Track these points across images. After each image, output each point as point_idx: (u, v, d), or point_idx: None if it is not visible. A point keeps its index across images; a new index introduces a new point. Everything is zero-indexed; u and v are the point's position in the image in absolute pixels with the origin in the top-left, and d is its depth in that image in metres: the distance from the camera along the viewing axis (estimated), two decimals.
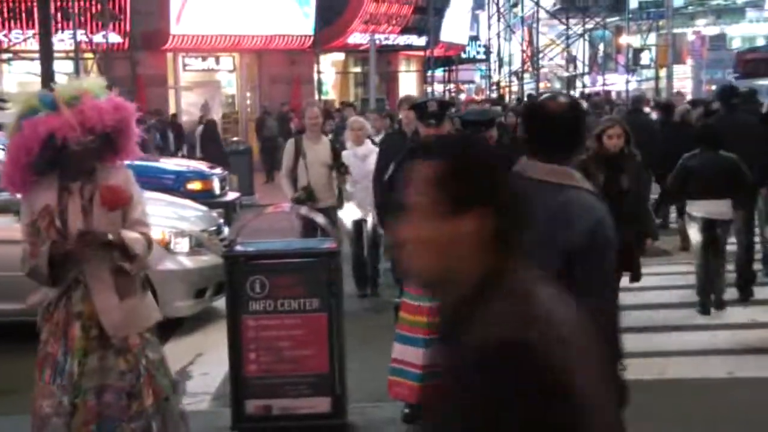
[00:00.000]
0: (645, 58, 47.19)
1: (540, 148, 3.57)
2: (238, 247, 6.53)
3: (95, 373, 5.14)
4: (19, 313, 9.01)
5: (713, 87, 31.49)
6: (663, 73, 40.55)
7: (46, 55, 7.51)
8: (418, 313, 5.69)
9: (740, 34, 54.21)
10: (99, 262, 5.16)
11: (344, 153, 10.97)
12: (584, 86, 47.55)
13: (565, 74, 53.35)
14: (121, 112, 5.23)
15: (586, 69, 52.81)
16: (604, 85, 48.96)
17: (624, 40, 49.87)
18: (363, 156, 10.86)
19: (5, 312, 9.13)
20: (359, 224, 11.05)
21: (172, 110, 29.00)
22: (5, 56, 26.57)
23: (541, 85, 48.45)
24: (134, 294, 5.29)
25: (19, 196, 5.40)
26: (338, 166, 10.44)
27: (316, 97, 32.48)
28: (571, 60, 53.36)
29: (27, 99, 5.23)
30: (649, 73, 47.45)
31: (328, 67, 37.37)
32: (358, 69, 38.96)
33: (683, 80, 43.23)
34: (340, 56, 38.07)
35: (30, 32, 22.51)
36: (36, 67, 15.09)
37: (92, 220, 5.15)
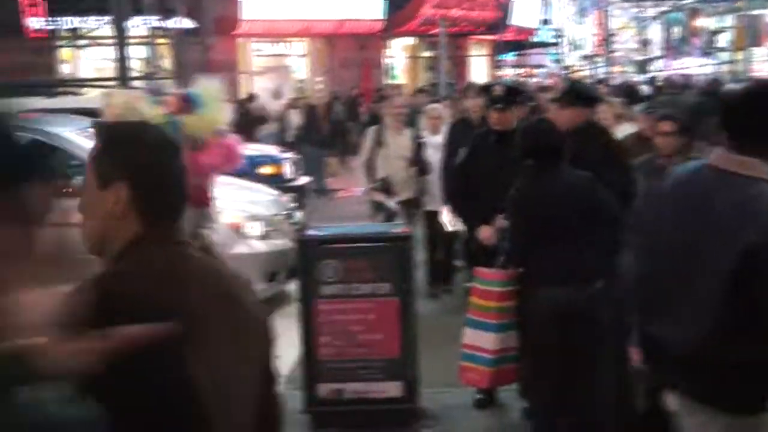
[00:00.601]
0: (722, 40, 46.36)
1: (732, 137, 3.41)
2: (310, 231, 6.53)
3: None
4: None
5: None
6: (740, 56, 39.81)
7: (120, 41, 7.55)
8: (488, 297, 5.64)
9: None
10: None
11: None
12: (658, 70, 46.89)
13: (639, 58, 52.67)
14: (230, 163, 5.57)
15: (660, 53, 52.08)
16: (679, 69, 48.27)
17: (699, 22, 49.09)
18: (440, 146, 9.80)
19: None
20: (433, 216, 10.10)
21: (243, 96, 29.18)
22: (81, 43, 26.93)
23: (614, 69, 47.91)
24: None
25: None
26: (418, 164, 9.81)
27: (386, 81, 32.46)
28: (645, 43, 52.66)
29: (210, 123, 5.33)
30: (726, 56, 46.63)
31: (399, 51, 37.33)
32: (428, 53, 38.85)
33: (762, 63, 42.36)
34: (410, 40, 38.00)
35: (105, 18, 22.78)
36: (111, 53, 15.27)
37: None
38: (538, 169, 5.39)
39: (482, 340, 5.67)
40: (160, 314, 2.02)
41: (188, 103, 5.29)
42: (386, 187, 9.68)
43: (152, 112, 5.20)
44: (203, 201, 5.62)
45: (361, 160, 10.24)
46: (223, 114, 5.45)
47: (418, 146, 9.94)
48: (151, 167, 2.29)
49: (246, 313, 2.40)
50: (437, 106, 11.90)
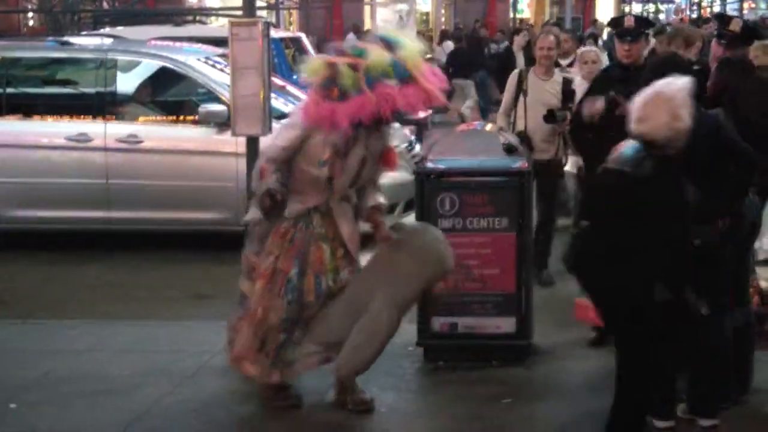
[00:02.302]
0: None
1: None
2: (429, 164, 6.52)
3: (351, 282, 5.58)
4: (209, 222, 9.42)
5: None
6: None
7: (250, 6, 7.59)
8: None
9: None
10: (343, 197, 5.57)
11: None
12: None
13: None
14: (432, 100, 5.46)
15: None
16: None
17: None
18: None
19: (203, 221, 9.46)
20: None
21: (367, 26, 29.17)
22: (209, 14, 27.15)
23: (745, 5, 46.31)
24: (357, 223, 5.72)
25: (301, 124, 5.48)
26: (559, 113, 8.02)
27: (511, 15, 32.04)
28: None
29: (381, 60, 5.31)
30: None
31: None
32: None
33: None
34: None
35: None
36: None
37: (364, 171, 5.51)
38: None
39: None
40: None
41: (389, 44, 5.38)
42: (524, 143, 7.80)
43: (369, 61, 5.30)
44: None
45: (501, 108, 8.78)
46: (420, 45, 5.58)
47: (569, 94, 8.19)
48: None
49: None
50: (594, 49, 10.28)
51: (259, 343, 5.53)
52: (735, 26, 6.31)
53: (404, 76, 5.26)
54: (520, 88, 8.38)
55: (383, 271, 5.58)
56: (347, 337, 5.51)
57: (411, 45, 5.45)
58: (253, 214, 5.57)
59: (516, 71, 8.77)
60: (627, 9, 38.59)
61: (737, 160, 5.20)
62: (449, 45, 24.00)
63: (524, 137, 8.00)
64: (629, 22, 6.88)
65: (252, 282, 5.60)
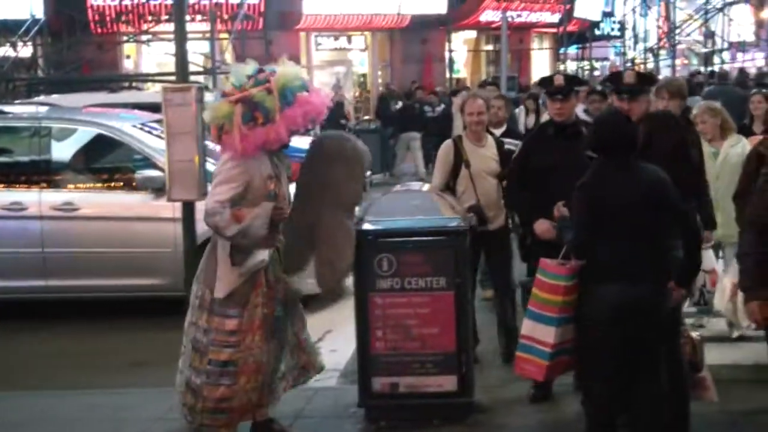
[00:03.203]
0: None
1: None
2: (367, 225, 6.54)
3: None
4: (148, 288, 9.35)
5: None
6: None
7: (181, 36, 7.63)
8: (553, 291, 5.49)
9: None
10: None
11: None
12: (722, 63, 46.21)
13: (703, 50, 51.92)
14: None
15: (725, 45, 51.31)
16: (744, 61, 47.47)
17: (766, 14, 48.28)
18: None
19: (142, 287, 9.38)
20: None
21: None
22: (145, 38, 27.22)
23: (678, 62, 47.28)
24: None
25: (229, 163, 5.67)
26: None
27: (447, 75, 32.37)
28: (710, 35, 51.90)
29: (295, 75, 5.78)
30: None
31: (460, 45, 37.23)
32: (489, 47, 38.70)
33: None
34: (472, 34, 37.89)
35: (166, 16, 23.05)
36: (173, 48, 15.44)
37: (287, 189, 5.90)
38: (610, 162, 5.35)
39: (541, 333, 5.59)
40: None
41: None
42: (480, 217, 7.47)
43: (279, 76, 5.70)
44: None
45: (435, 183, 7.99)
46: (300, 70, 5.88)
47: (508, 155, 7.76)
48: None
49: None
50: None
51: (258, 390, 5.80)
52: (629, 78, 6.40)
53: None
54: (460, 159, 7.82)
55: (318, 191, 5.90)
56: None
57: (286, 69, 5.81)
58: (262, 255, 5.75)
59: (448, 142, 8.04)
60: (562, 67, 39.12)
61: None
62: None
63: (478, 210, 7.54)
64: (559, 80, 6.98)
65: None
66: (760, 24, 51.69)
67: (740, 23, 48.62)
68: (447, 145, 8.01)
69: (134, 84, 19.10)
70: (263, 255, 5.75)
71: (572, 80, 7.44)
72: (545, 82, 7.29)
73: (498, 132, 8.94)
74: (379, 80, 33.73)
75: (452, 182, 7.85)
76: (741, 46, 50.96)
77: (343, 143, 6.13)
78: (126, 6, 27.64)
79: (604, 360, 5.24)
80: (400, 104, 23.99)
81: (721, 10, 45.76)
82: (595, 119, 5.82)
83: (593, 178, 5.36)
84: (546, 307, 5.49)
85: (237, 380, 5.70)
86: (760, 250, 5.26)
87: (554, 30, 38.58)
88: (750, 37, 49.93)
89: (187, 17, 7.83)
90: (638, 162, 5.34)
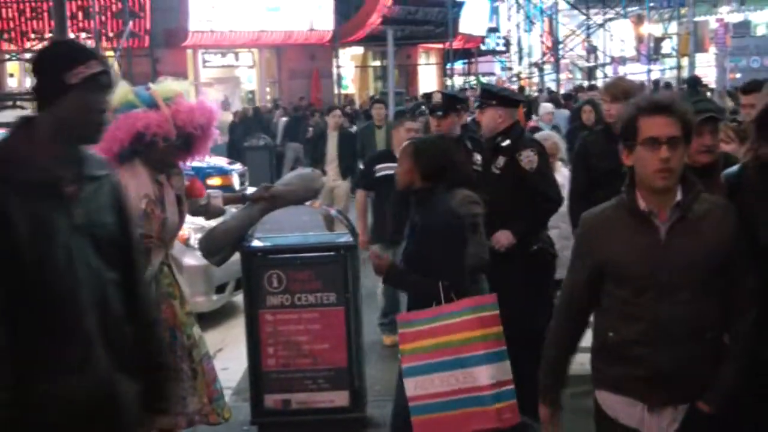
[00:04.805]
0: (666, 47, 46.82)
1: None
2: (255, 242, 6.55)
3: (200, 342, 5.55)
4: None
5: (737, 75, 31.13)
6: (685, 62, 40.26)
7: None
8: (418, 338, 4.71)
9: (765, 20, 53.65)
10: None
11: None
12: (605, 76, 47.29)
13: (587, 65, 53.09)
14: (207, 115, 5.55)
15: (608, 59, 52.54)
16: (626, 74, 48.60)
17: (645, 29, 49.56)
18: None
19: None
20: None
21: None
22: (28, 56, 26.70)
23: (562, 76, 48.24)
24: None
25: None
26: None
27: (336, 91, 32.51)
28: (592, 50, 53.10)
29: (124, 94, 5.40)
30: (672, 62, 47.13)
31: (347, 61, 37.40)
32: (377, 62, 38.96)
33: (706, 68, 42.81)
34: (359, 50, 38.10)
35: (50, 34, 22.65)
36: None
37: (184, 210, 5.56)
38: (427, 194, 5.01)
39: (425, 385, 4.89)
40: None
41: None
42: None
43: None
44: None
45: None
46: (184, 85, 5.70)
47: None
48: None
49: None
50: (554, 138, 8.70)
51: None
52: (437, 98, 6.83)
53: (151, 104, 5.35)
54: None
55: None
56: None
57: (166, 85, 5.61)
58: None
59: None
60: (449, 82, 39.61)
61: None
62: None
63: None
64: (437, 98, 7.18)
65: None
66: (640, 39, 52.98)
67: (621, 38, 49.78)
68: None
69: (18, 103, 18.70)
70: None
71: (451, 98, 7.58)
72: (427, 98, 7.47)
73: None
74: (267, 96, 33.67)
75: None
76: (622, 61, 52.20)
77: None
78: (8, 23, 27.09)
79: None
80: (284, 119, 24.15)
81: (602, 25, 46.92)
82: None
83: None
84: (414, 356, 4.80)
85: None
86: None
87: (441, 45, 38.99)
88: (631, 52, 51.13)
89: (71, 35, 7.69)
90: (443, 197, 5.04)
